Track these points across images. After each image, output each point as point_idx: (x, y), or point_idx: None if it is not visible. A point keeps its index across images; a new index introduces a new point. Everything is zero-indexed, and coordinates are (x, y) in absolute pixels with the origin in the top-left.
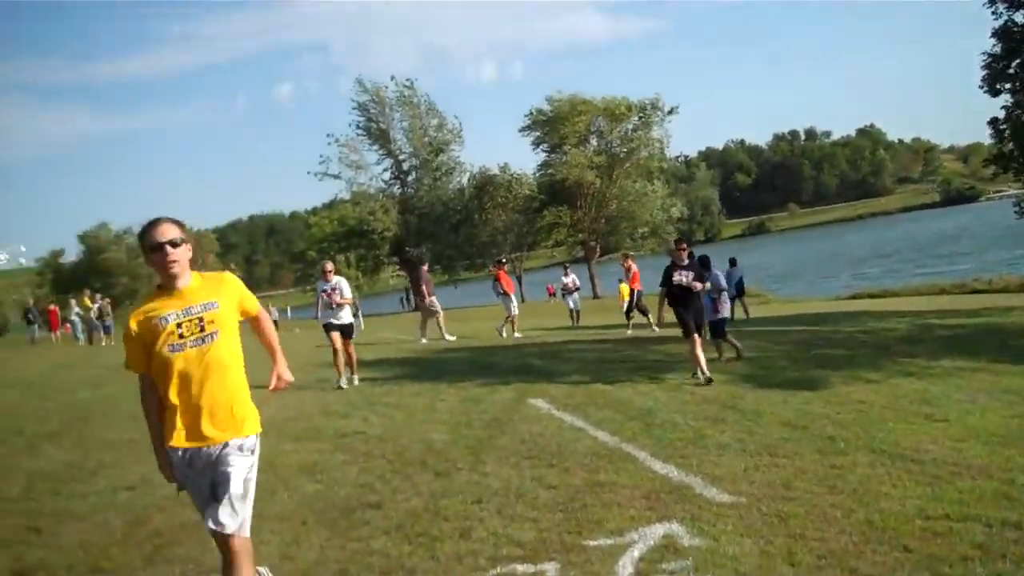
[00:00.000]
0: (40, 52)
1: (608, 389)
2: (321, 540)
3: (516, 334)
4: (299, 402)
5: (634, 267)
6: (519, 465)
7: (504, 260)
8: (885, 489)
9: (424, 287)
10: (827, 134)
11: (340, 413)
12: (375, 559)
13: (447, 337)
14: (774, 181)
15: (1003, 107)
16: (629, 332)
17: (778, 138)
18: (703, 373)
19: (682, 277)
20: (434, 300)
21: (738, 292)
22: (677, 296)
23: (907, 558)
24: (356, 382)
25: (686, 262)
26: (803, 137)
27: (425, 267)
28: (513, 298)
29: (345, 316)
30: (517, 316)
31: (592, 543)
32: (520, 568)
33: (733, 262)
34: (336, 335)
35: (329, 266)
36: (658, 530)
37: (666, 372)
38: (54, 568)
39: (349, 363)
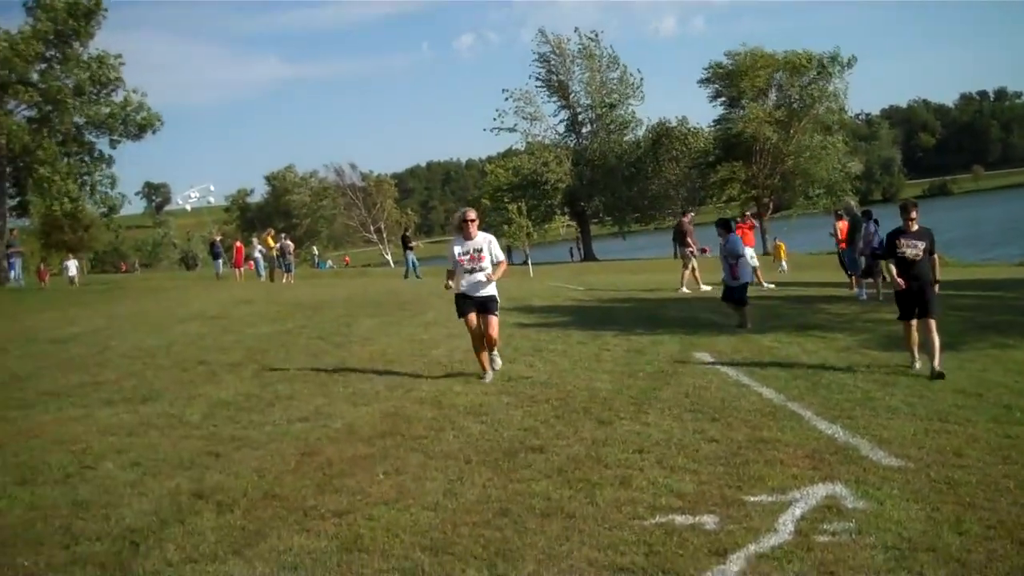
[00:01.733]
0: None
1: (775, 346)
2: (484, 479)
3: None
4: (468, 346)
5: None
6: (681, 417)
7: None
8: None
9: (688, 237)
10: (1018, 95)
11: (507, 358)
12: (536, 501)
13: (703, 287)
14: (959, 142)
15: None
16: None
17: (965, 98)
18: (916, 361)
19: (906, 248)
20: (692, 251)
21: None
22: (899, 270)
23: None
24: (499, 363)
25: (915, 229)
26: (992, 98)
27: (687, 217)
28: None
29: (490, 287)
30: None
31: (752, 499)
32: (679, 519)
33: (868, 215)
34: (472, 315)
35: (472, 215)
36: (821, 490)
37: (835, 332)
38: (230, 491)
39: (490, 345)
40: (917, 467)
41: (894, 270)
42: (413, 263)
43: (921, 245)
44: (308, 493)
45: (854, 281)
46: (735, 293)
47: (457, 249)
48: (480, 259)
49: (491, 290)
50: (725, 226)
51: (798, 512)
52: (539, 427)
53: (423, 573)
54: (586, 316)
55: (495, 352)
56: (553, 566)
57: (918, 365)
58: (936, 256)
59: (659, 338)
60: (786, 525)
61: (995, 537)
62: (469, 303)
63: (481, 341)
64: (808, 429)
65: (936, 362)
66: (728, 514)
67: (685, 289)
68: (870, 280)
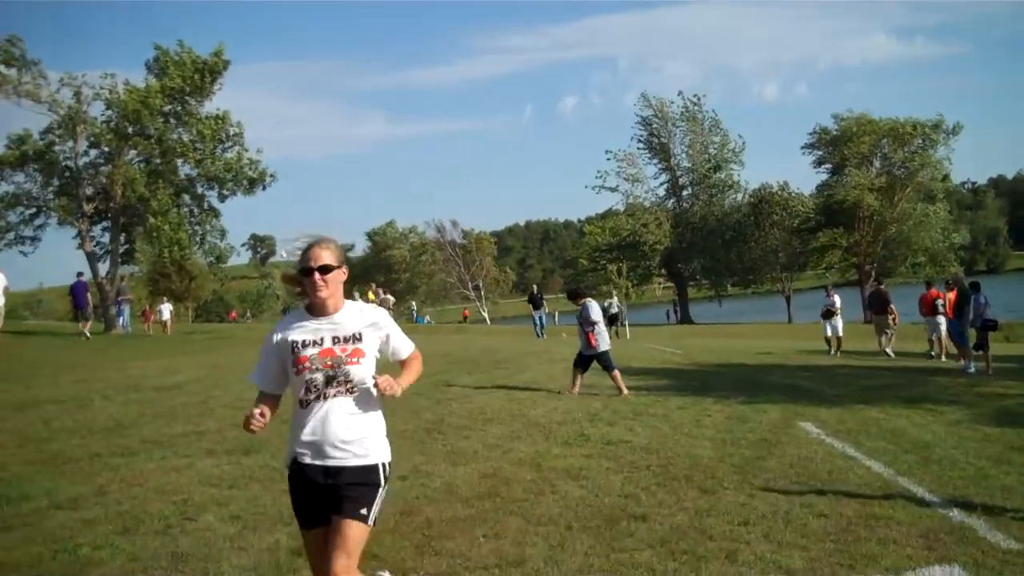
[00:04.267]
0: (347, 61)
1: (881, 417)
2: (585, 547)
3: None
4: (567, 406)
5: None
6: (787, 489)
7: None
8: None
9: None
10: None
11: (606, 420)
12: (639, 572)
13: (889, 353)
14: None
15: None
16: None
17: None
18: None
19: None
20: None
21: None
22: None
23: None
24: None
25: None
26: None
27: (883, 284)
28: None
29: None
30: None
31: None
32: None
33: (976, 287)
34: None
35: (323, 254)
36: (938, 573)
37: (944, 405)
38: None
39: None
40: None
41: None
42: (541, 321)
43: None
44: (407, 555)
45: (962, 353)
46: (596, 360)
47: (292, 338)
48: (351, 360)
49: (366, 448)
50: (576, 295)
51: None
52: (640, 494)
53: None
54: (685, 380)
55: None
56: None
57: None
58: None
59: (760, 406)
60: None
61: None
62: (309, 489)
63: None
64: (920, 506)
65: None
66: None
67: (889, 352)
68: (979, 353)
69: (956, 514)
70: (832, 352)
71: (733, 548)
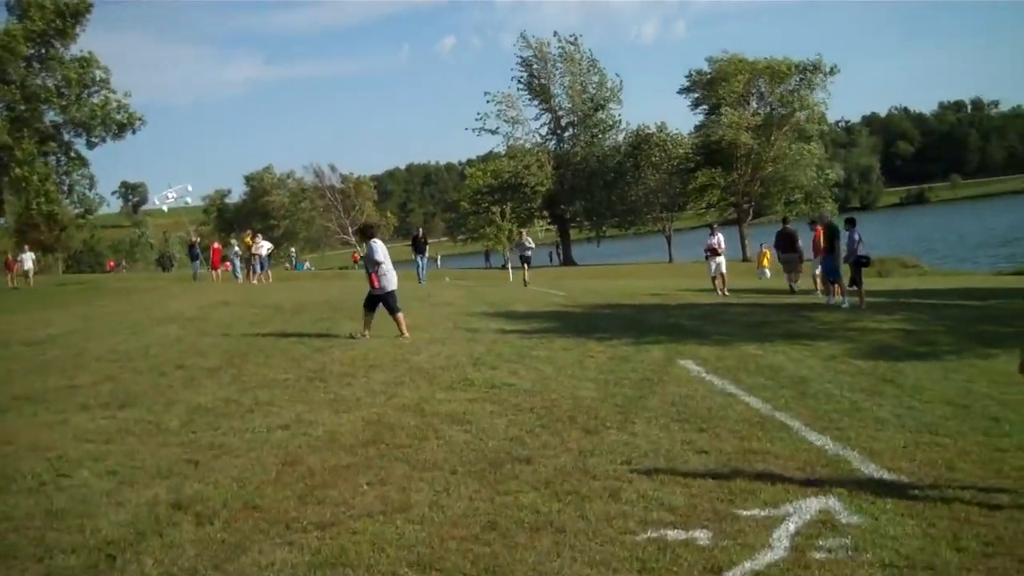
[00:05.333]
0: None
1: (760, 354)
2: (470, 491)
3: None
4: (450, 352)
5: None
6: (669, 427)
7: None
8: None
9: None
10: (996, 104)
11: (490, 364)
12: (524, 514)
13: (794, 289)
14: (938, 151)
15: None
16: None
17: (944, 107)
18: None
19: None
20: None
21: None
22: None
23: None
24: None
25: None
26: (970, 107)
27: (790, 224)
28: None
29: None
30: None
31: (745, 513)
32: (671, 534)
33: (851, 223)
34: None
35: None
36: (814, 504)
37: (820, 340)
38: (210, 502)
39: None
40: (910, 480)
41: None
42: (423, 265)
43: None
44: (290, 504)
45: (834, 289)
46: (383, 301)
47: None
48: None
49: None
50: (365, 234)
51: (792, 527)
52: (524, 436)
53: None
54: (568, 322)
55: None
56: None
57: None
58: None
59: (643, 346)
60: (781, 541)
61: (994, 554)
62: None
63: None
64: (798, 440)
65: None
66: (721, 529)
67: (794, 288)
68: (853, 288)
69: (832, 446)
70: (718, 291)
71: (616, 487)
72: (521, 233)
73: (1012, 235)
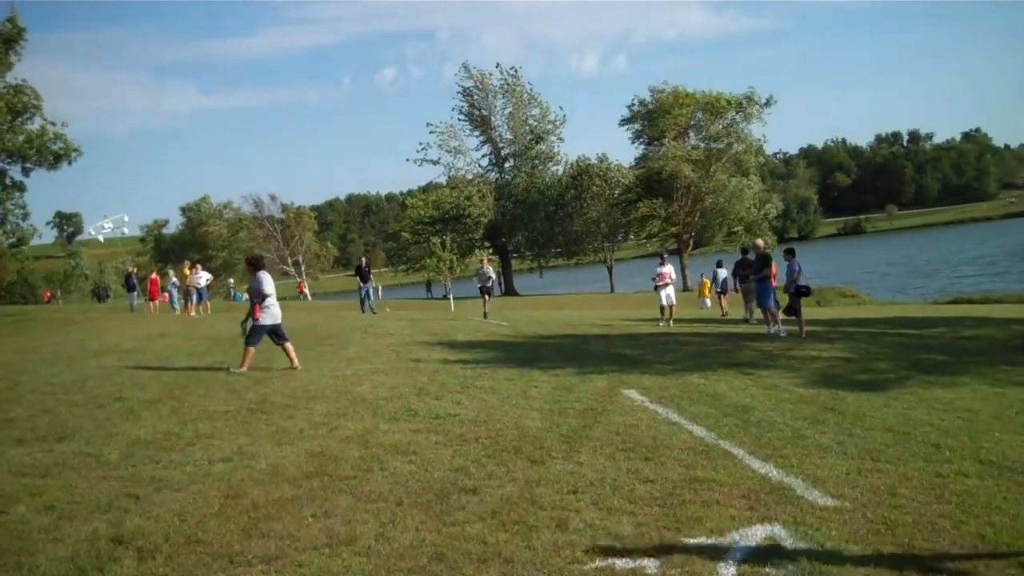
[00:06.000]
0: (153, 30)
1: (702, 383)
2: (416, 523)
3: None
4: (393, 382)
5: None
6: (614, 456)
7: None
8: (996, 502)
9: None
10: (930, 136)
11: (433, 394)
12: (471, 545)
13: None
14: (874, 182)
15: None
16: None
17: (880, 139)
18: None
19: None
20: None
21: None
22: None
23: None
24: None
25: None
26: (906, 139)
27: (748, 254)
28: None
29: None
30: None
31: (692, 541)
32: (619, 563)
33: (791, 253)
34: None
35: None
36: (759, 532)
37: (761, 369)
38: (151, 536)
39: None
40: (853, 507)
41: None
42: (368, 295)
43: None
44: (234, 538)
45: (769, 316)
46: (269, 333)
47: None
48: None
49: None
50: (254, 265)
51: (739, 555)
52: (470, 467)
53: None
54: (512, 352)
55: None
56: None
57: None
58: None
59: (586, 375)
60: (728, 569)
61: None
62: None
63: None
64: (742, 468)
65: None
66: (669, 558)
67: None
68: (793, 318)
69: (775, 474)
70: (666, 321)
71: (563, 516)
72: (482, 262)
73: (945, 265)
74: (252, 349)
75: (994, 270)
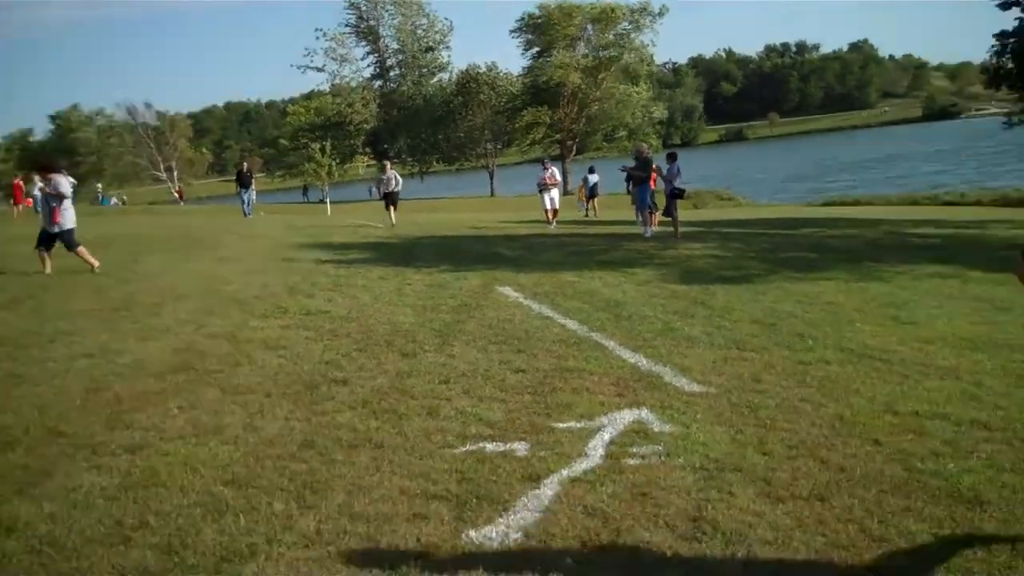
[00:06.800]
0: None
1: (577, 280)
2: (285, 412)
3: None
4: (264, 281)
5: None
6: (486, 349)
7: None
8: (854, 386)
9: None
10: (817, 47)
11: (305, 293)
12: (341, 432)
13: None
14: (760, 91)
15: (1017, 18)
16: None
17: (769, 49)
18: None
19: None
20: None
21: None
22: None
23: (878, 451)
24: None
25: None
26: (794, 50)
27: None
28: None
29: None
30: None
31: (561, 425)
32: (490, 447)
33: (672, 157)
34: None
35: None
36: (628, 416)
37: (636, 267)
38: (10, 429)
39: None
40: (719, 392)
41: None
42: (249, 200)
43: None
44: (96, 430)
45: (646, 218)
46: (60, 238)
47: None
48: None
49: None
50: (46, 168)
51: (607, 437)
52: (341, 360)
53: (227, 507)
54: (387, 252)
55: None
56: (364, 496)
57: None
58: None
59: (461, 273)
60: (596, 450)
61: (797, 456)
62: None
63: None
64: (612, 358)
65: None
66: (538, 441)
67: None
68: (669, 219)
69: (645, 363)
70: (550, 223)
71: (434, 405)
72: (385, 167)
73: (818, 171)
74: (81, 248)
75: (866, 174)
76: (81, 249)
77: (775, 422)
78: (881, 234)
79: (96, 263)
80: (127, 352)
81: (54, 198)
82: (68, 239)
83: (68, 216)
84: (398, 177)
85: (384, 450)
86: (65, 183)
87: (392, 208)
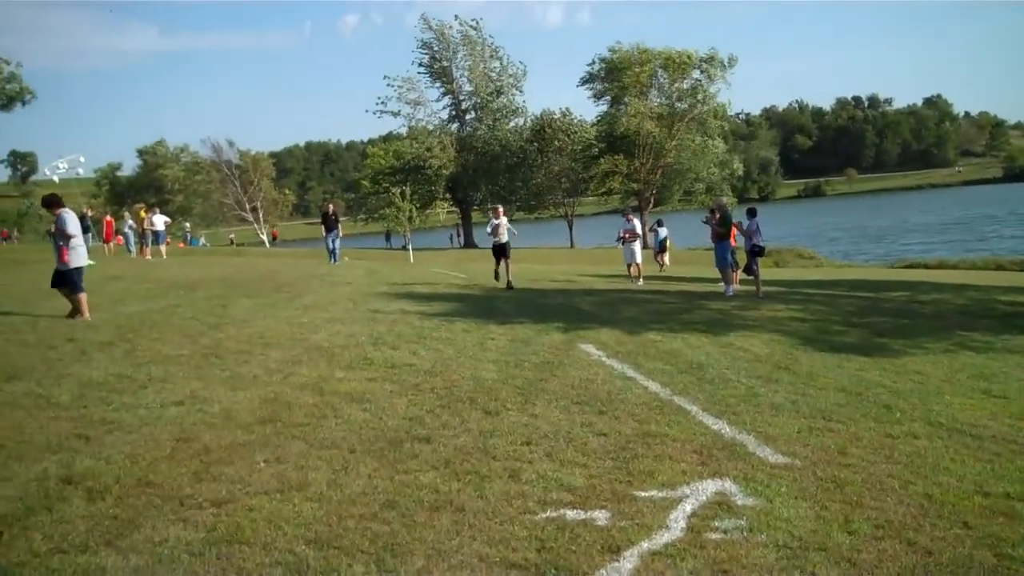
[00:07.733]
0: None
1: (659, 340)
2: (369, 470)
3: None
4: (350, 331)
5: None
6: (569, 410)
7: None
8: (943, 463)
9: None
10: (889, 101)
11: (390, 344)
12: (424, 493)
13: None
14: (835, 145)
15: None
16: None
17: (841, 102)
18: None
19: None
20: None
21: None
22: None
23: (968, 535)
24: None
25: None
26: (866, 103)
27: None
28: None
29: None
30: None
31: (643, 494)
32: (570, 514)
33: (752, 212)
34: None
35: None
36: (710, 486)
37: (718, 328)
38: (102, 477)
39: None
40: (803, 465)
41: None
42: (335, 245)
43: None
44: (184, 481)
45: (728, 276)
46: (66, 277)
47: None
48: None
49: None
50: (51, 204)
51: (689, 508)
52: (425, 416)
53: (308, 568)
54: (469, 304)
55: None
56: (443, 561)
57: None
58: None
59: (543, 328)
60: (678, 522)
61: (884, 537)
62: None
63: None
64: (695, 424)
65: None
66: (619, 509)
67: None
68: (751, 277)
69: (728, 430)
70: (635, 279)
71: (516, 467)
72: (497, 211)
73: (903, 231)
74: (82, 295)
75: (950, 236)
76: (81, 296)
77: (861, 499)
78: (968, 300)
79: (88, 316)
80: (216, 401)
81: (62, 236)
82: (73, 279)
83: (77, 255)
84: (511, 227)
85: (465, 514)
86: (71, 221)
87: (505, 262)
